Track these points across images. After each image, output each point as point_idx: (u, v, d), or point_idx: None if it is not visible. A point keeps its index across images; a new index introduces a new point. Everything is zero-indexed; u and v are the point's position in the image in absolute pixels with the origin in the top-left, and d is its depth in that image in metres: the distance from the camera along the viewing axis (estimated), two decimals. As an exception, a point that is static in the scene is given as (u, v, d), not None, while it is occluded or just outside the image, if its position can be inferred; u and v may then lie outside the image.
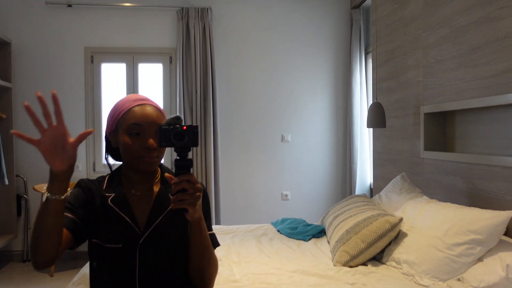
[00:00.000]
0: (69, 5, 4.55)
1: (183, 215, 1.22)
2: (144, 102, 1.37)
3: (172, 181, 1.17)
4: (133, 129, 1.32)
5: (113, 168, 1.48)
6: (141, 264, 1.32)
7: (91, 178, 1.46)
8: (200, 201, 1.21)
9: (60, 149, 1.13)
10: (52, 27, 4.58)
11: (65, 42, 4.60)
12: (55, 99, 1.12)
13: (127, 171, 1.41)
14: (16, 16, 4.53)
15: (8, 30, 4.50)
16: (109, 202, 1.36)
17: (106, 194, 1.38)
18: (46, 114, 1.12)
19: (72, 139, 1.14)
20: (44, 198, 1.15)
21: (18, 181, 4.51)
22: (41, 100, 1.12)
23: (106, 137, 1.45)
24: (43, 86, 4.56)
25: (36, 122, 1.12)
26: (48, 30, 4.58)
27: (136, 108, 1.35)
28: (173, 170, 1.43)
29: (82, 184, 1.39)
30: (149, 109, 1.36)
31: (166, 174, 1.23)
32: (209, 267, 1.36)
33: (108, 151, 1.47)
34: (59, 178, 1.13)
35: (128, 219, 1.33)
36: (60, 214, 1.17)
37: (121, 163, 1.47)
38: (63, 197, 1.14)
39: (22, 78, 4.54)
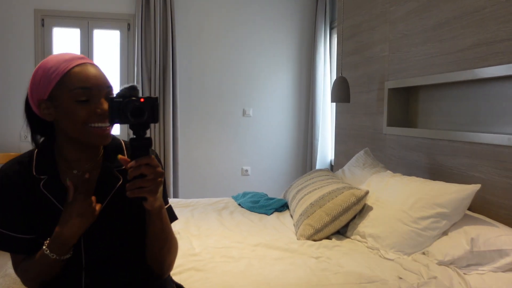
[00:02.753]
0: (17, -38, 4.21)
1: (141, 204, 1.05)
2: (84, 61, 1.13)
3: (128, 165, 1.00)
4: (80, 95, 1.08)
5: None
6: (87, 257, 1.15)
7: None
8: (161, 188, 1.04)
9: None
10: (-2, -15, 4.23)
11: (12, 2, 4.25)
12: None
13: (63, 147, 1.17)
14: (-44, -29, 4.15)
15: None
16: (41, 187, 1.14)
17: (37, 176, 1.14)
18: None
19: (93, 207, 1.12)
20: (52, 259, 1.08)
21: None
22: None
23: (27, 109, 1.19)
24: (-12, 49, 4.23)
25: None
26: (-7, -12, 4.22)
27: (77, 69, 1.10)
28: (118, 140, 1.25)
29: (4, 182, 1.13)
30: (92, 69, 1.12)
31: (120, 156, 1.04)
32: (169, 254, 1.21)
33: (34, 127, 1.20)
34: (71, 243, 1.09)
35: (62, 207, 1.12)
36: (60, 266, 1.11)
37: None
38: (67, 256, 1.10)
39: (-36, 40, 4.19)
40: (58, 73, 1.09)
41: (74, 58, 1.12)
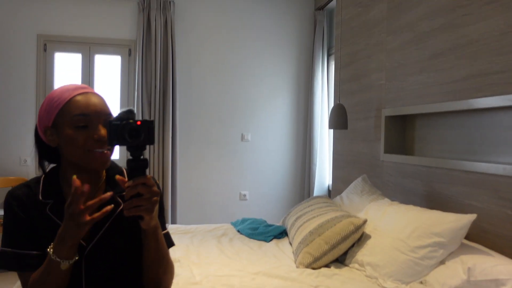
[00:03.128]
0: (22, -11, 4.30)
1: (135, 222, 1.09)
2: (86, 90, 1.20)
3: (125, 185, 1.03)
4: (79, 121, 1.15)
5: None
6: (87, 278, 1.18)
7: (38, 174, 1.28)
8: (157, 207, 1.08)
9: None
10: (2, 11, 4.30)
11: (15, 28, 4.33)
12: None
13: (67, 172, 1.22)
14: (-38, -3, 4.23)
15: (-48, 12, 4.19)
16: (48, 211, 1.18)
17: (44, 200, 1.20)
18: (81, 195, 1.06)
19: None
20: (62, 266, 1.09)
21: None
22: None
23: (37, 136, 1.26)
24: (-10, 74, 4.29)
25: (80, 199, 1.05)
26: (-2, 15, 4.30)
27: (79, 98, 1.17)
28: (120, 168, 1.29)
29: (13, 204, 1.19)
30: (93, 97, 1.19)
31: (117, 177, 1.08)
32: (165, 275, 1.24)
33: (43, 154, 1.28)
34: (75, 244, 1.09)
35: None
36: (69, 273, 1.12)
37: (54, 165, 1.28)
38: (74, 260, 1.11)
39: (-33, 65, 4.24)
40: (61, 101, 1.17)
41: (77, 88, 1.20)
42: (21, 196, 1.19)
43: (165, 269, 1.22)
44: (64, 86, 1.22)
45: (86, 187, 1.07)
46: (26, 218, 1.18)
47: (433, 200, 2.61)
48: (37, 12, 4.37)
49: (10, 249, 1.16)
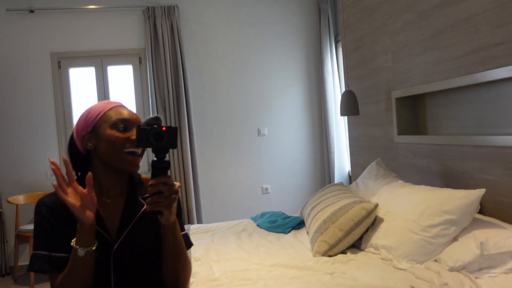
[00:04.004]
0: (31, 11, 4.44)
1: (157, 219, 1.20)
2: (122, 104, 1.38)
3: (149, 183, 1.16)
4: (119, 124, 1.30)
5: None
6: (115, 272, 1.28)
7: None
8: (175, 204, 1.20)
9: (84, 202, 1.19)
10: (16, 34, 4.46)
11: (30, 49, 4.49)
12: (66, 163, 1.22)
13: (98, 175, 1.34)
14: (-24, 25, 4.40)
15: (-31, 40, 4.37)
16: None
17: None
18: (67, 175, 1.20)
19: (83, 189, 1.19)
20: (79, 253, 1.18)
21: (-9, 194, 4.40)
22: (56, 166, 1.18)
23: (70, 146, 1.39)
24: (10, 95, 4.45)
25: (62, 180, 1.18)
26: (12, 38, 4.46)
27: (116, 108, 1.34)
28: (139, 175, 1.40)
29: (42, 210, 1.29)
30: (128, 109, 1.36)
31: (143, 176, 1.20)
32: (183, 271, 1.33)
33: (73, 162, 1.39)
34: (90, 229, 1.19)
35: (98, 228, 1.28)
36: (92, 263, 1.21)
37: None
38: (94, 246, 1.20)
39: (-12, 89, 4.42)
40: (102, 110, 1.34)
41: (114, 102, 1.38)
42: (50, 202, 1.31)
43: (182, 265, 1.32)
44: (103, 101, 1.39)
45: (88, 175, 1.20)
46: (55, 223, 1.28)
47: (448, 177, 2.60)
48: (49, 32, 4.51)
49: (41, 252, 1.26)
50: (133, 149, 1.29)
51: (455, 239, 1.96)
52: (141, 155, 1.32)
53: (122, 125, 1.30)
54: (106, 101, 1.38)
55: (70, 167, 1.22)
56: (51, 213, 1.29)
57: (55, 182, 1.18)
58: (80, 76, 4.64)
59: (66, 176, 1.20)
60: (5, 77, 4.44)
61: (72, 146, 1.39)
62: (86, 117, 1.35)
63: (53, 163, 1.17)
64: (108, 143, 1.29)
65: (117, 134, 1.29)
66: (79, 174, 1.41)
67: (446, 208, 1.97)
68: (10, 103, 4.46)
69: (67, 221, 1.28)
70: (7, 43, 4.45)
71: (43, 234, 1.28)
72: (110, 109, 1.33)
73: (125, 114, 1.32)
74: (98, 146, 1.31)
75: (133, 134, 1.29)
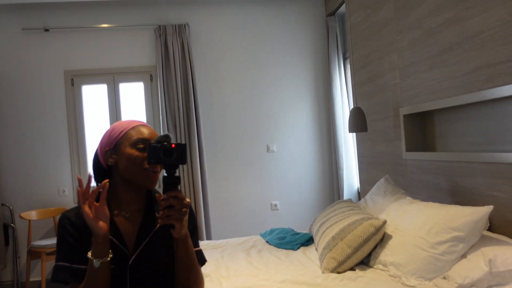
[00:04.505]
0: (46, 30, 4.56)
1: (170, 232, 1.24)
2: (144, 123, 1.44)
3: (160, 198, 1.21)
4: (139, 143, 1.37)
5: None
6: (132, 285, 1.32)
7: (76, 203, 1.46)
8: (186, 218, 1.24)
9: (97, 214, 1.25)
10: (31, 52, 4.57)
11: (44, 66, 4.59)
12: (89, 179, 1.28)
13: (117, 191, 1.40)
14: (-7, 44, 4.53)
15: (-15, 59, 4.49)
16: None
17: None
18: (85, 193, 1.25)
19: (96, 203, 1.25)
20: (95, 264, 1.23)
21: (4, 210, 4.46)
22: (81, 180, 1.25)
23: (96, 158, 1.45)
24: (24, 112, 4.55)
25: (83, 192, 1.24)
26: (27, 56, 4.57)
27: (137, 128, 1.40)
28: (161, 189, 1.46)
29: (65, 223, 1.36)
30: (150, 129, 1.43)
31: (157, 194, 1.25)
32: (195, 284, 1.36)
33: (96, 175, 1.47)
34: (104, 240, 1.24)
35: (116, 241, 1.33)
36: (108, 273, 1.26)
37: None
38: (109, 257, 1.25)
39: (3, 106, 4.52)
40: (124, 129, 1.41)
41: (136, 121, 1.45)
42: (72, 216, 1.37)
43: (195, 279, 1.35)
44: (127, 120, 1.47)
45: (105, 182, 1.27)
46: (77, 236, 1.33)
47: (456, 194, 2.60)
48: (63, 50, 4.61)
49: (63, 263, 1.31)
50: (150, 168, 1.35)
51: (463, 256, 1.97)
52: (158, 172, 1.37)
53: (141, 145, 1.36)
54: (130, 120, 1.45)
55: (90, 183, 1.27)
56: (73, 226, 1.35)
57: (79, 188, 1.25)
58: (92, 93, 4.73)
59: (85, 190, 1.25)
60: (20, 93, 4.55)
61: (96, 160, 1.46)
62: (109, 134, 1.42)
63: (79, 179, 1.24)
64: (128, 160, 1.35)
65: (137, 153, 1.35)
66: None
67: (454, 225, 1.98)
68: (25, 119, 4.55)
69: (88, 235, 1.32)
70: (23, 60, 4.56)
71: (65, 247, 1.34)
72: (132, 128, 1.40)
73: (145, 133, 1.39)
74: (118, 162, 1.38)
75: None
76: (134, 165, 1.35)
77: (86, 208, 1.22)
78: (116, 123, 1.46)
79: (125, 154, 1.36)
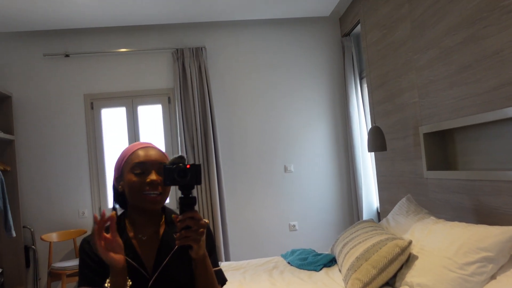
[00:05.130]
0: (67, 55, 4.67)
1: (188, 254, 1.25)
2: (147, 145, 1.44)
3: (177, 219, 1.21)
4: (136, 168, 1.36)
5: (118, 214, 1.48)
6: None
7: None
8: (204, 238, 1.24)
9: (109, 246, 1.23)
10: (51, 77, 4.68)
11: (64, 91, 4.69)
12: (103, 215, 1.23)
13: (132, 214, 1.42)
14: (15, 69, 4.64)
15: (8, 84, 4.60)
16: None
17: None
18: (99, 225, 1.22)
19: (107, 235, 1.23)
20: None
21: (25, 232, 4.51)
22: (95, 218, 1.21)
23: (113, 185, 1.48)
24: (45, 135, 4.63)
25: (99, 231, 1.21)
26: (48, 81, 4.68)
27: (140, 151, 1.40)
28: (178, 210, 1.47)
29: (86, 248, 1.37)
30: (151, 150, 1.41)
31: (173, 216, 1.25)
32: None
33: (115, 199, 1.49)
34: (121, 271, 1.23)
35: (135, 264, 1.34)
36: None
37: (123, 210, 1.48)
38: (128, 286, 1.25)
39: (25, 130, 4.61)
40: (126, 154, 1.42)
41: (140, 144, 1.45)
42: (92, 240, 1.35)
43: None
44: (133, 143, 1.47)
45: (110, 218, 1.22)
46: (98, 259, 1.34)
47: (481, 213, 2.57)
48: (82, 75, 4.71)
49: (85, 287, 1.32)
50: (150, 192, 1.34)
51: (493, 277, 1.93)
52: (162, 193, 1.36)
53: (138, 170, 1.36)
54: (135, 143, 1.46)
55: (104, 218, 1.24)
56: (93, 251, 1.35)
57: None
58: (111, 116, 4.80)
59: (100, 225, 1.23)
60: (41, 117, 4.64)
61: (113, 186, 1.49)
62: (118, 160, 1.45)
63: (95, 217, 1.23)
64: (128, 187, 1.37)
65: (134, 178, 1.36)
66: (122, 208, 1.50)
67: (483, 245, 1.95)
68: (45, 142, 4.63)
69: None
70: (44, 85, 4.67)
71: (87, 271, 1.35)
72: (133, 152, 1.41)
73: (141, 157, 1.38)
74: (124, 189, 1.40)
75: (150, 177, 1.35)
76: (134, 190, 1.35)
77: (99, 243, 1.21)
78: (123, 150, 1.47)
79: (126, 181, 1.38)
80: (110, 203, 4.48)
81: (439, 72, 2.95)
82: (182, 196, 1.22)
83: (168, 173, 1.23)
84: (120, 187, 1.42)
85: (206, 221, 1.27)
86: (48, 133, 4.64)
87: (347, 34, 4.84)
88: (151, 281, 1.33)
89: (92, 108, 4.75)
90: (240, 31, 4.92)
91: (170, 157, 1.38)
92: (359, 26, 4.50)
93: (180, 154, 1.30)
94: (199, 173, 1.23)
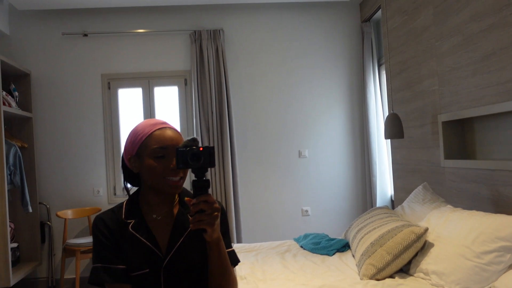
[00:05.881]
0: (85, 35, 4.68)
1: (202, 236, 1.23)
2: (164, 125, 1.39)
3: (191, 202, 1.20)
4: (158, 153, 1.33)
5: (131, 193, 1.48)
6: (165, 287, 1.33)
7: (111, 203, 1.47)
8: (218, 221, 1.23)
9: None
10: (69, 56, 4.70)
11: (82, 70, 4.71)
12: None
13: (147, 195, 1.41)
14: (34, 48, 4.67)
15: (27, 61, 4.63)
16: (130, 229, 1.36)
17: (127, 221, 1.38)
18: None
19: None
20: None
21: (41, 209, 4.58)
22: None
23: (123, 163, 1.45)
24: (62, 114, 4.67)
25: None
26: (66, 60, 4.70)
27: (157, 132, 1.36)
28: (192, 191, 1.46)
29: (100, 226, 1.37)
30: (169, 132, 1.37)
31: (187, 198, 1.24)
32: (228, 285, 1.36)
33: (127, 178, 1.47)
34: None
35: (149, 244, 1.34)
36: None
37: (136, 188, 1.47)
38: None
39: (42, 108, 4.65)
40: (143, 135, 1.36)
41: (157, 123, 1.39)
42: (106, 218, 1.39)
43: (227, 281, 1.35)
44: (146, 121, 1.42)
45: None
46: (111, 237, 1.35)
47: (499, 203, 2.54)
48: (100, 55, 4.72)
49: (100, 265, 1.33)
50: (172, 177, 1.33)
51: (510, 266, 1.91)
52: (183, 177, 1.35)
53: (160, 154, 1.33)
54: (150, 121, 1.41)
55: None
56: (107, 228, 1.36)
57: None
58: (128, 96, 4.82)
59: None
60: (58, 96, 4.67)
61: (124, 164, 1.46)
62: (131, 140, 1.39)
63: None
64: (148, 171, 1.34)
65: (155, 163, 1.33)
66: (133, 186, 1.48)
67: (501, 235, 1.92)
68: (63, 121, 4.67)
69: (121, 238, 1.36)
70: (62, 64, 4.69)
71: (101, 248, 1.35)
72: (150, 134, 1.36)
73: (163, 140, 1.34)
74: (141, 171, 1.38)
75: (173, 162, 1.32)
76: (154, 175, 1.33)
77: None
78: (136, 128, 1.42)
79: (145, 165, 1.34)
80: (123, 184, 4.51)
81: (462, 60, 2.89)
82: (196, 179, 1.20)
83: (181, 156, 1.20)
84: (135, 168, 1.39)
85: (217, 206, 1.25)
86: (65, 112, 4.68)
87: (367, 20, 4.77)
88: (165, 261, 1.34)
89: (109, 88, 4.77)
90: (259, 14, 4.87)
91: (184, 137, 1.35)
92: (379, 12, 4.42)
93: (193, 136, 1.27)
94: (213, 156, 1.21)
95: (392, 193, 4.44)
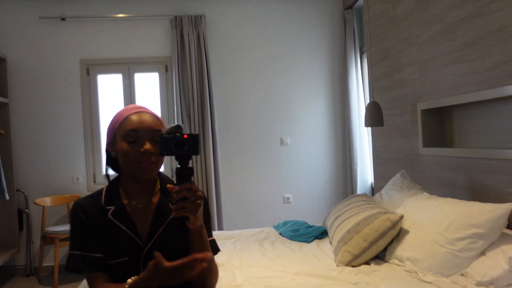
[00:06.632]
0: (63, 19, 4.57)
1: (185, 224, 1.22)
2: (141, 110, 1.37)
3: (173, 190, 1.17)
4: (130, 136, 1.31)
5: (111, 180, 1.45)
6: None
7: (90, 191, 1.44)
8: (201, 209, 1.21)
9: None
10: (47, 41, 4.59)
11: (60, 55, 4.61)
12: None
13: (126, 182, 1.38)
14: (10, 32, 4.55)
15: (3, 46, 4.52)
16: (110, 215, 1.34)
17: (106, 207, 1.35)
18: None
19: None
20: None
21: (19, 196, 4.51)
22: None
23: (106, 149, 1.43)
24: (40, 100, 4.58)
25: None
26: (43, 44, 4.59)
27: (133, 116, 1.34)
28: (174, 179, 1.44)
29: (78, 211, 1.35)
30: (145, 116, 1.34)
31: (169, 185, 1.21)
32: (210, 274, 1.36)
33: (108, 163, 1.44)
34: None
35: (130, 232, 1.32)
36: None
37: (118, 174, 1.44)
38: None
39: (19, 93, 4.55)
40: (119, 119, 1.35)
41: (134, 108, 1.37)
42: (85, 204, 1.36)
43: (209, 270, 1.33)
44: (126, 106, 1.40)
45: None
46: (90, 224, 1.32)
47: (475, 191, 2.57)
48: (79, 39, 4.63)
49: (77, 252, 1.31)
50: (143, 161, 1.30)
51: (482, 253, 1.94)
52: (156, 162, 1.32)
53: (131, 138, 1.31)
54: (129, 106, 1.40)
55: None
56: (85, 214, 1.33)
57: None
58: (107, 83, 4.74)
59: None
60: (36, 81, 4.57)
61: (107, 149, 1.43)
62: (110, 125, 1.38)
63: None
64: (121, 155, 1.32)
65: (126, 147, 1.30)
66: (116, 172, 1.45)
67: (474, 222, 1.95)
68: (40, 107, 4.58)
69: (100, 224, 1.32)
70: (39, 49, 4.58)
71: (78, 235, 1.32)
72: (126, 117, 1.34)
73: (134, 124, 1.32)
74: (117, 156, 1.35)
75: (143, 146, 1.30)
76: (126, 159, 1.31)
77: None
78: (116, 113, 1.40)
79: (119, 149, 1.32)
80: (104, 170, 4.47)
81: (441, 48, 2.90)
82: (179, 166, 1.18)
83: (165, 143, 1.18)
84: (113, 152, 1.37)
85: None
86: (43, 98, 4.59)
87: (350, 7, 4.75)
88: (145, 250, 1.31)
89: (88, 73, 4.68)
90: (241, 1, 4.81)
91: (167, 125, 1.32)
92: (362, -1, 4.41)
93: (178, 123, 1.25)
94: (197, 144, 1.19)
95: (372, 180, 4.47)
